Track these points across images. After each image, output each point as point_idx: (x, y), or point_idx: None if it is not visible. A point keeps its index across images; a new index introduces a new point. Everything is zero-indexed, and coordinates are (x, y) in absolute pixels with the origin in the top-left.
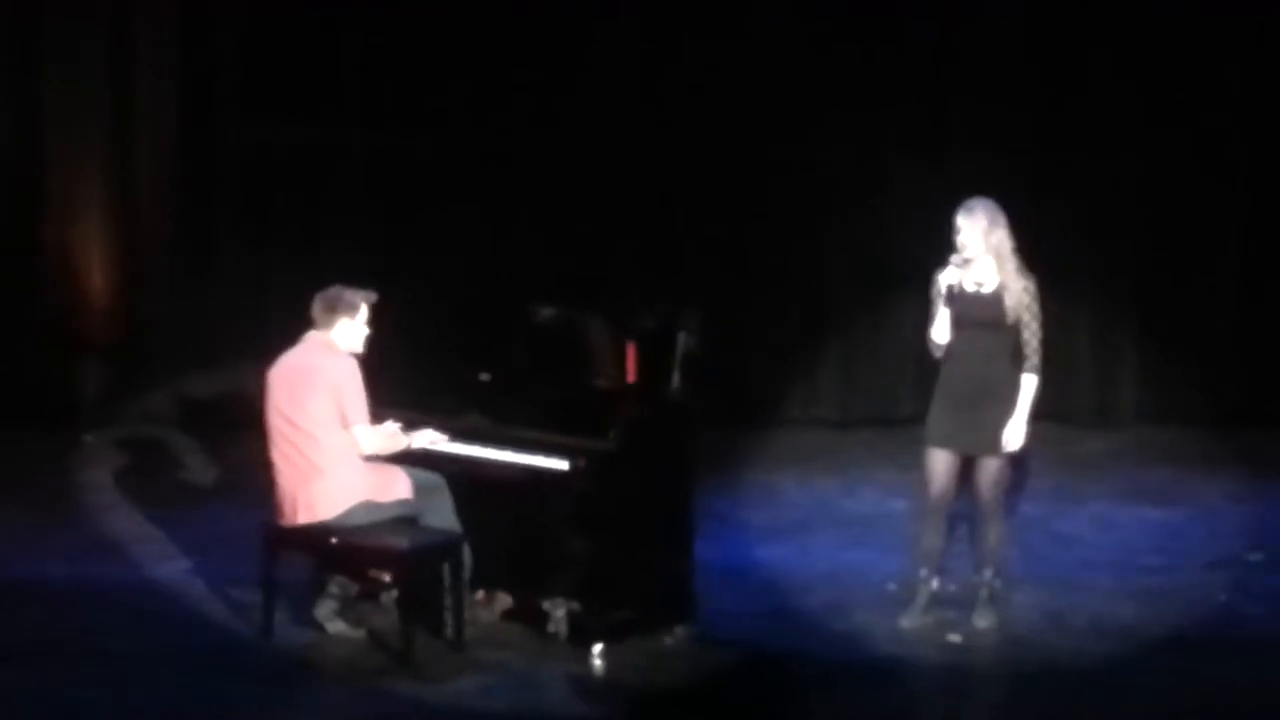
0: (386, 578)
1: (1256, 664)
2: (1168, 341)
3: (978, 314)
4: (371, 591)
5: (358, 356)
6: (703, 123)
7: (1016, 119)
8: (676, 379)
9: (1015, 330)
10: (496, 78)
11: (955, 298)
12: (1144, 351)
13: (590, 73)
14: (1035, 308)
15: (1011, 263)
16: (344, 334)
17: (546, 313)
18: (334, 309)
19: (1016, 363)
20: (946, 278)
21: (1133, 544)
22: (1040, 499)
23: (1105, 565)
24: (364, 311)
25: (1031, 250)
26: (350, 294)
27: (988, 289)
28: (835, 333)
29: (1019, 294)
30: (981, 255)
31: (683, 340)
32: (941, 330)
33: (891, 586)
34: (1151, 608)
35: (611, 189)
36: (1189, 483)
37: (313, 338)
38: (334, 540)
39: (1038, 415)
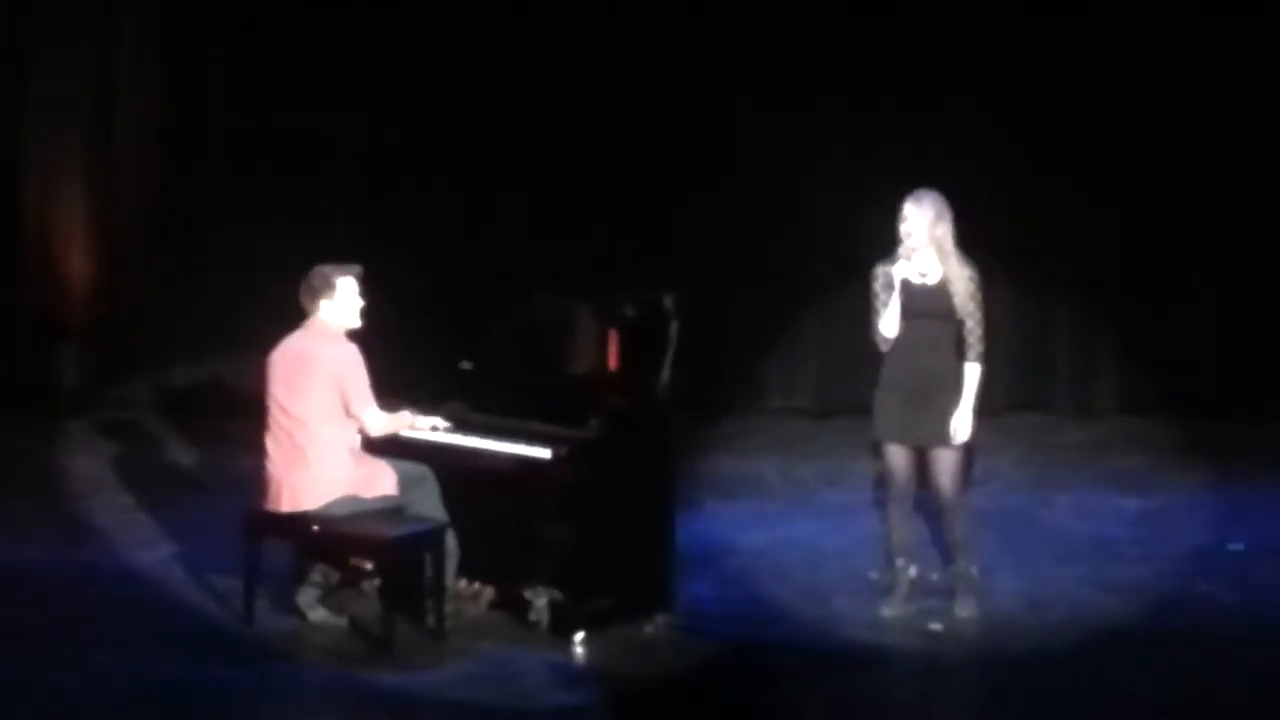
0: (368, 565)
1: (1236, 653)
2: (1147, 332)
3: (922, 305)
4: (353, 579)
5: (355, 334)
6: (686, 113)
7: (1000, 112)
8: (667, 370)
9: (959, 321)
10: (485, 65)
11: (900, 289)
12: (1123, 342)
13: (578, 62)
14: (979, 297)
15: (954, 255)
16: (332, 313)
17: (529, 301)
18: (313, 292)
19: (960, 353)
20: (897, 270)
21: (1112, 533)
22: (1020, 488)
23: (1085, 555)
24: (343, 287)
25: (1013, 241)
26: (325, 272)
27: (931, 280)
28: (815, 322)
29: (964, 284)
30: (924, 246)
31: (674, 330)
32: (891, 323)
33: (873, 575)
34: (1131, 597)
35: (594, 178)
36: (1169, 472)
37: (314, 324)
38: (316, 528)
39: (1016, 405)
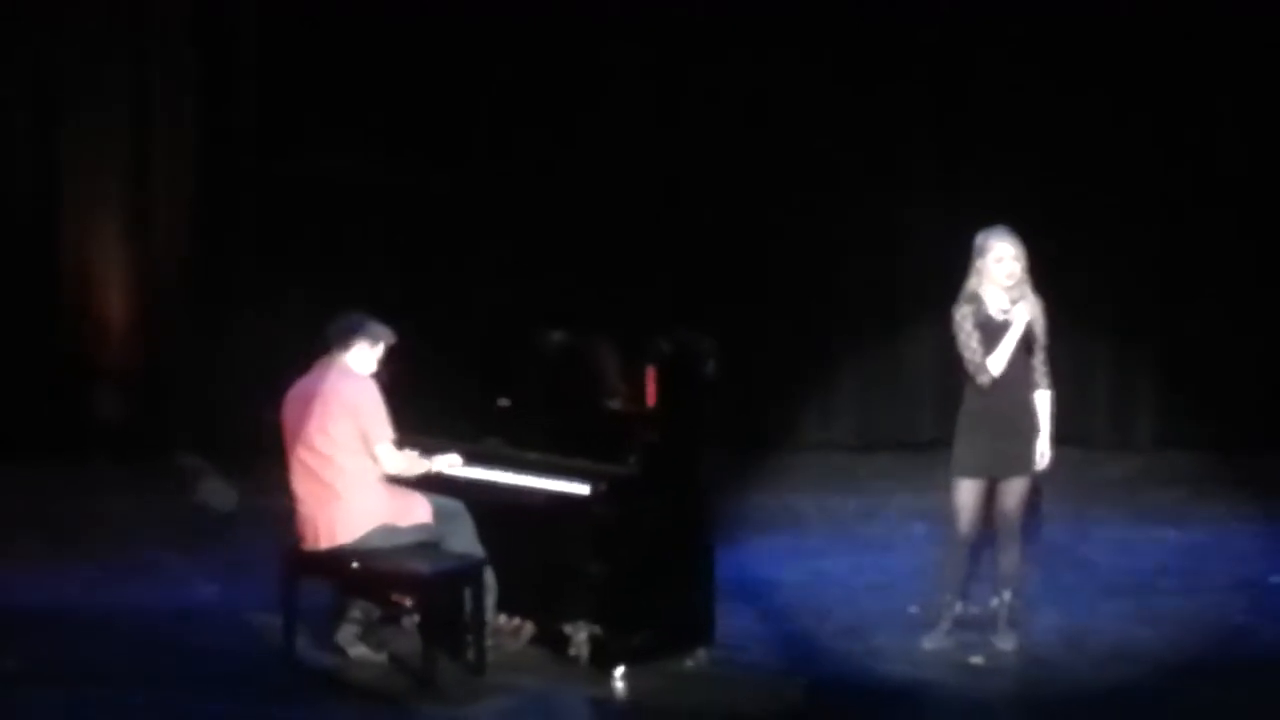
0: (408, 602)
1: (1276, 686)
2: (1187, 366)
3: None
4: (393, 616)
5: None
6: (721, 151)
7: (1030, 151)
8: (704, 407)
9: (1030, 353)
10: (515, 112)
11: (996, 327)
12: (1163, 376)
13: (608, 105)
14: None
15: (1029, 285)
16: (359, 358)
17: (565, 339)
18: (355, 333)
19: (1032, 384)
20: (1015, 310)
21: (1152, 567)
22: (1060, 523)
23: (1124, 588)
24: (383, 346)
25: (1051, 277)
26: (371, 323)
27: (1013, 315)
28: (853, 356)
29: (1041, 316)
30: (1020, 281)
31: (711, 367)
32: (1000, 361)
33: (913, 609)
34: (1171, 631)
35: (630, 217)
36: (1208, 506)
37: (326, 362)
38: (355, 564)
39: (1056, 439)
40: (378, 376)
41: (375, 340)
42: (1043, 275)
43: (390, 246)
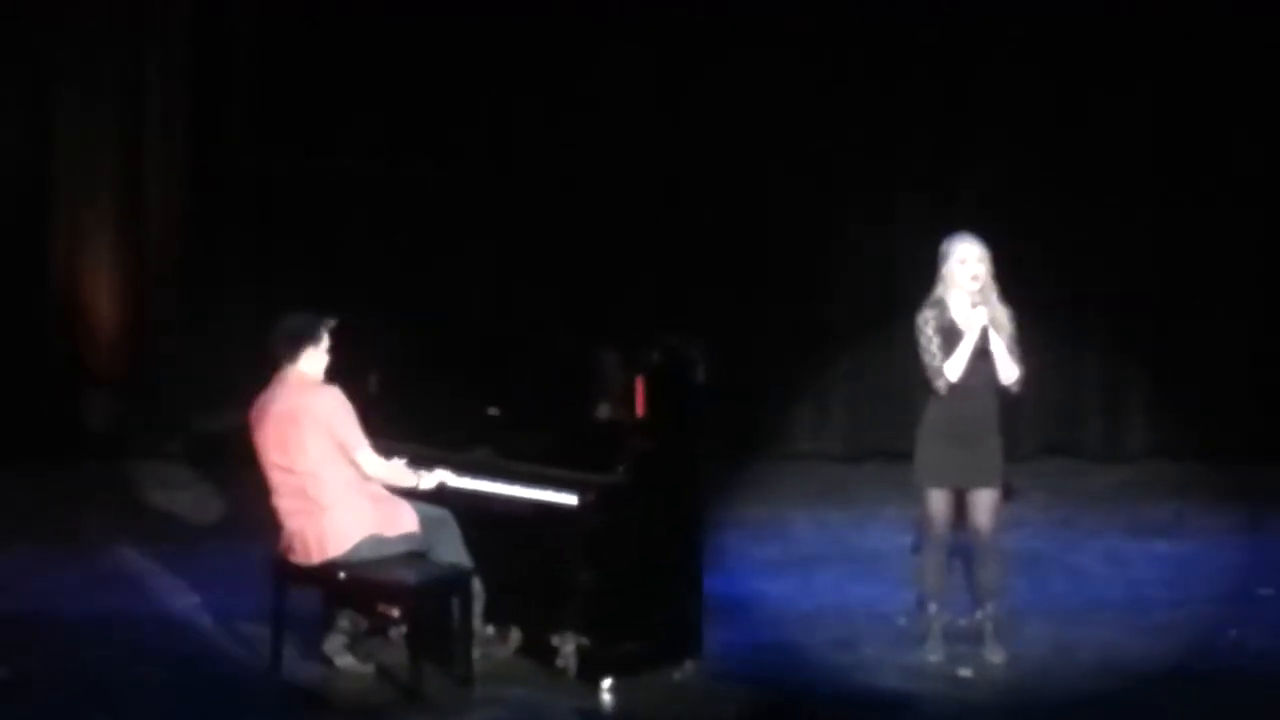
0: (395, 613)
1: (1266, 699)
2: (1177, 376)
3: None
4: (380, 626)
5: (343, 380)
6: (712, 158)
7: (1026, 156)
8: (693, 416)
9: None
10: (508, 111)
11: (958, 333)
12: (1153, 386)
13: (601, 107)
14: (1016, 333)
15: (995, 292)
16: (311, 363)
17: (555, 347)
18: (299, 339)
19: (997, 393)
20: (972, 314)
21: (1142, 578)
22: (1049, 533)
23: (1114, 599)
24: (325, 338)
25: (1040, 284)
26: (311, 320)
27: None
28: (844, 366)
29: (1006, 324)
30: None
31: (700, 375)
32: (957, 367)
33: (902, 621)
34: (1161, 642)
35: (620, 223)
36: (1198, 517)
37: (288, 376)
38: (343, 575)
39: (1045, 449)
40: (336, 375)
41: (318, 339)
42: (1030, 283)
43: (387, 247)
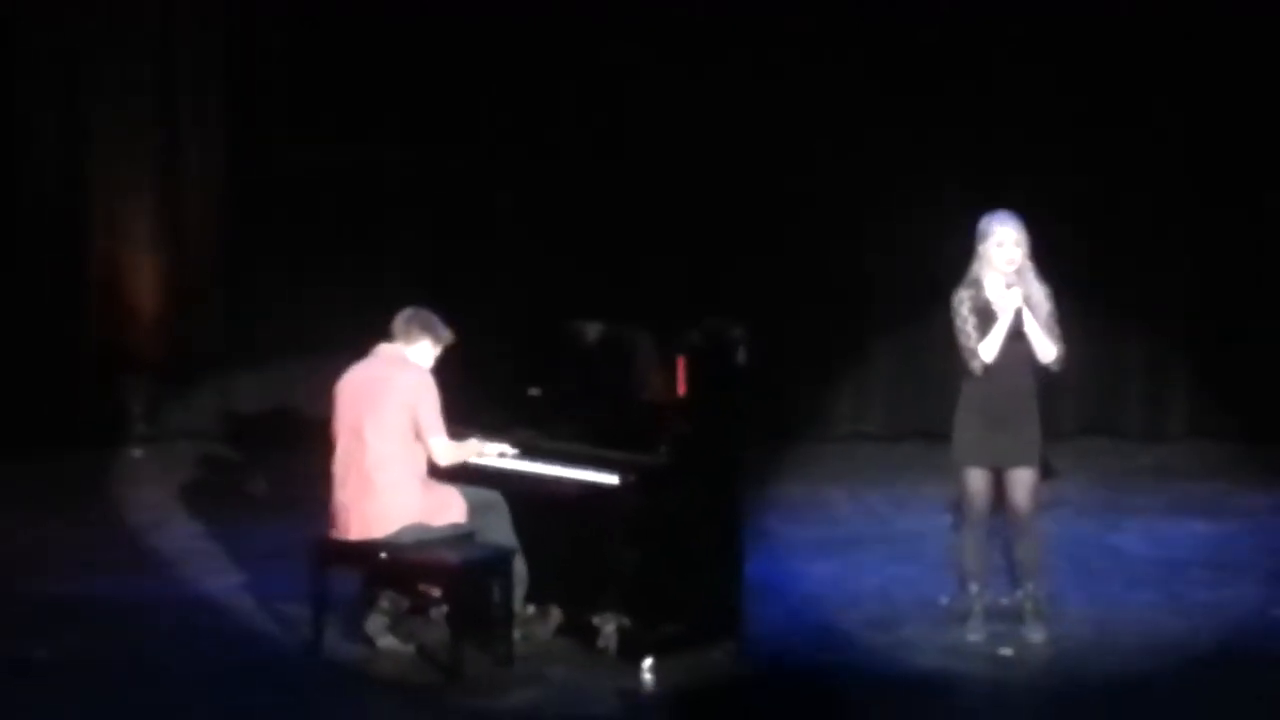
0: (436, 593)
1: None
2: (1218, 356)
3: (1010, 326)
4: (421, 606)
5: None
6: (749, 138)
7: (1063, 142)
8: (735, 397)
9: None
10: (541, 98)
11: (994, 313)
12: (1194, 366)
13: (634, 90)
14: (1057, 315)
15: (1032, 271)
16: (420, 353)
17: (596, 329)
18: (423, 328)
19: (1034, 372)
20: (1007, 295)
21: (1183, 558)
22: (1091, 513)
23: (1156, 579)
24: (442, 348)
25: (1083, 265)
26: (441, 323)
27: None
28: (883, 347)
29: (1047, 303)
30: (1022, 266)
31: (742, 356)
32: (993, 346)
33: (944, 600)
34: (1202, 622)
35: (658, 206)
36: (1240, 496)
37: (385, 350)
38: (384, 555)
39: (1086, 429)
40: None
41: (439, 340)
42: (1073, 265)
43: (422, 234)
